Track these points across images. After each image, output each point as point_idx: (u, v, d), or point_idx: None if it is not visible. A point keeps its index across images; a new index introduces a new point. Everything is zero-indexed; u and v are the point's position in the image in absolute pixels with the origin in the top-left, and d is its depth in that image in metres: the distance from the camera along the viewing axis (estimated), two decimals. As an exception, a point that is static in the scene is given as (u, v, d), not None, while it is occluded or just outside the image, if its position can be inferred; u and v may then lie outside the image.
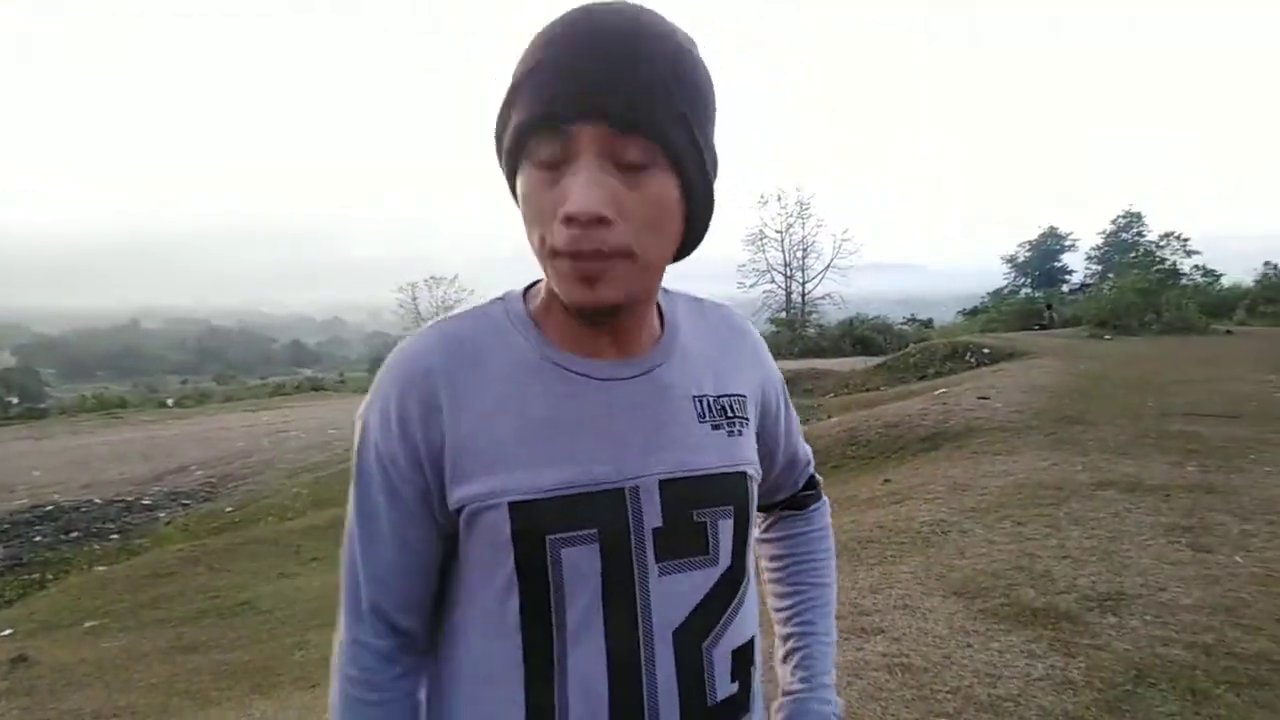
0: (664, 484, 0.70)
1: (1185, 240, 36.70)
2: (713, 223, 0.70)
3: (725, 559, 0.73)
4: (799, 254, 38.15)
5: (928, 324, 33.58)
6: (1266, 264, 30.10)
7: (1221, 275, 31.84)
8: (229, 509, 10.06)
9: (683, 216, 0.66)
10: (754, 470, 0.78)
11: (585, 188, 0.59)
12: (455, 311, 0.75)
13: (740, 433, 0.76)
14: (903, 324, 32.57)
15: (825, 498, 0.98)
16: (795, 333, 30.97)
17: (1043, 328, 21.75)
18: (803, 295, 38.22)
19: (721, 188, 0.70)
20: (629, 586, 0.68)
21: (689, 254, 0.71)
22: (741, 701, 0.74)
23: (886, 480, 6.05)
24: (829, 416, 9.76)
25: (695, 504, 0.71)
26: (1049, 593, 3.27)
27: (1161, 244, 36.89)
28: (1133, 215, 42.90)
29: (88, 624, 5.90)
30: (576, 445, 0.68)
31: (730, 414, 0.76)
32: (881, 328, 29.47)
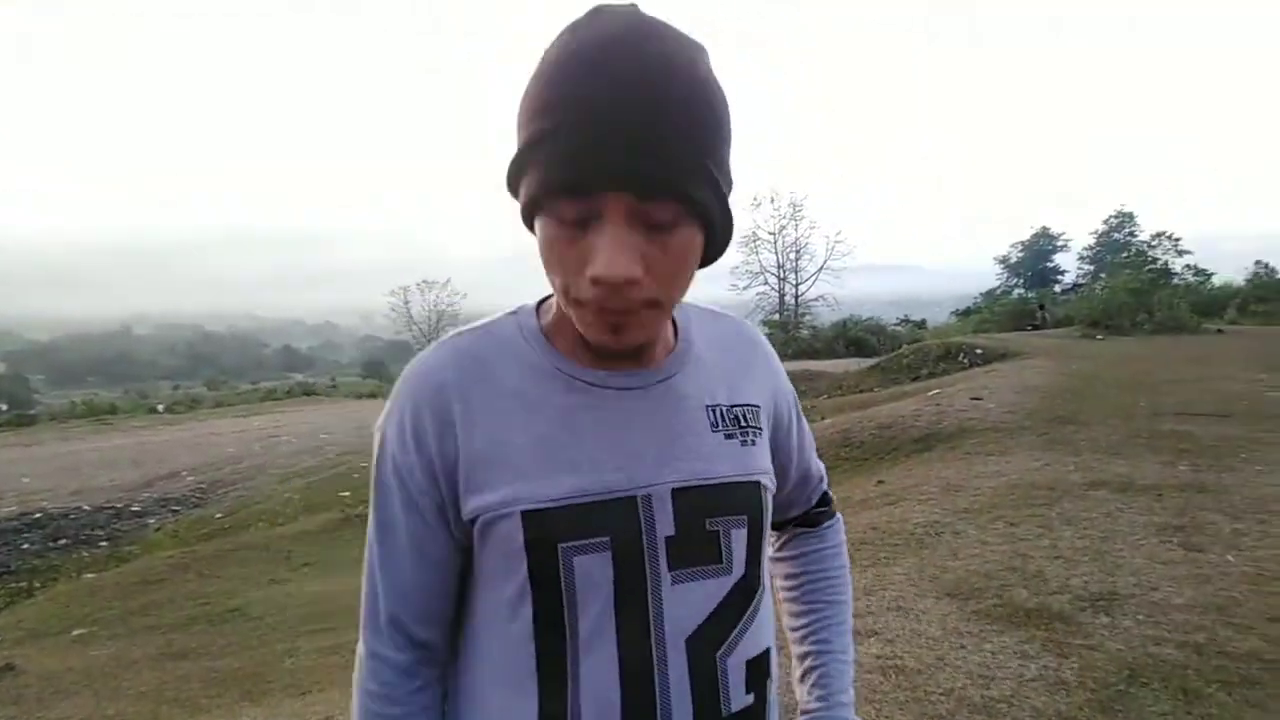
0: (676, 492, 0.70)
1: (1177, 240, 37.06)
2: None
3: (739, 568, 0.72)
4: (792, 256, 38.34)
5: (921, 325, 33.66)
6: (1258, 263, 30.33)
7: (1213, 275, 32.05)
8: (219, 515, 10.01)
9: (703, 248, 0.66)
10: (768, 480, 0.77)
11: (613, 252, 0.59)
12: (469, 325, 0.75)
13: (754, 442, 0.76)
14: (896, 325, 32.63)
15: (839, 515, 0.97)
16: (789, 334, 30.98)
17: (1035, 328, 21.80)
18: (796, 297, 38.33)
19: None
20: (641, 594, 0.68)
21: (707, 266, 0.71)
22: (757, 713, 0.73)
23: (880, 481, 6.06)
24: (823, 418, 9.76)
25: (708, 513, 0.71)
26: (1042, 593, 3.27)
27: (1153, 244, 37.16)
28: (1125, 215, 43.18)
29: (76, 632, 5.84)
30: (589, 454, 0.68)
31: (744, 423, 0.76)
32: (875, 329, 29.51)
